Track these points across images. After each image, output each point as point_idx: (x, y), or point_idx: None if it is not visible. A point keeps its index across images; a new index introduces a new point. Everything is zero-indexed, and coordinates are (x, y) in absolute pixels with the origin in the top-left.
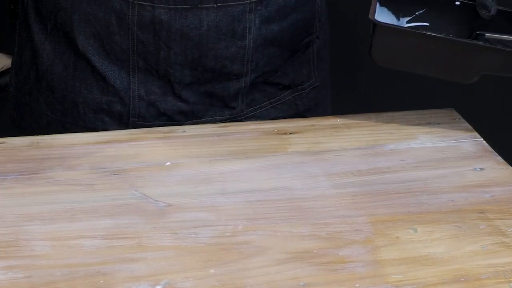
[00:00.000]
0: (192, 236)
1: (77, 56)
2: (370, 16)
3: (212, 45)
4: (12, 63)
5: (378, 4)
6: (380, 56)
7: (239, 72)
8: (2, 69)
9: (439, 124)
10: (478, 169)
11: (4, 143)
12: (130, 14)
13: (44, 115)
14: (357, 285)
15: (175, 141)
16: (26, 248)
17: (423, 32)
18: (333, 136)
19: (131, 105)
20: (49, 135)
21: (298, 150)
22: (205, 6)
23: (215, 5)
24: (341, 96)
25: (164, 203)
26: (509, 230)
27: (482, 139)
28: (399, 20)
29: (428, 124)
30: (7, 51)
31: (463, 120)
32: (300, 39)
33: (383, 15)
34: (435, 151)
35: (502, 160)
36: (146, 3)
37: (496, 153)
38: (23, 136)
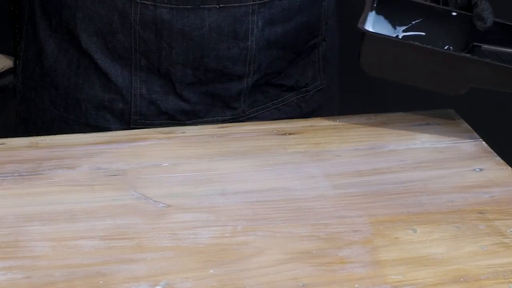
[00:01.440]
0: (192, 236)
1: (80, 53)
2: (359, 25)
3: (214, 46)
4: (19, 59)
5: (374, 13)
6: (368, 65)
7: (241, 73)
8: (2, 70)
9: (438, 124)
10: (478, 170)
11: (3, 143)
12: (132, 12)
13: (47, 111)
14: (357, 285)
15: (175, 142)
16: (26, 248)
17: (411, 42)
18: (332, 137)
19: (132, 103)
20: (49, 136)
21: (297, 150)
22: (207, 6)
23: (217, 6)
24: (346, 98)
25: (164, 203)
26: (508, 231)
27: (481, 139)
28: (395, 28)
29: (428, 124)
30: (7, 52)
31: (462, 120)
32: (305, 41)
33: (379, 24)
34: (434, 151)
35: (501, 161)
36: (149, 2)
37: (495, 154)
38: (26, 132)
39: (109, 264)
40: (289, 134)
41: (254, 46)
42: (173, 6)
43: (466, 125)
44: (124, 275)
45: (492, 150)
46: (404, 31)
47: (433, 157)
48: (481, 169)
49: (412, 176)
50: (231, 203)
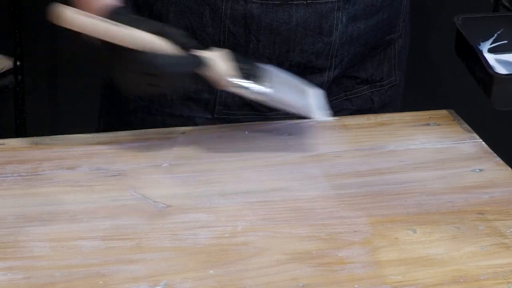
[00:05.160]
0: (192, 237)
1: None
2: (489, 71)
3: (300, 40)
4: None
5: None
6: (502, 103)
7: (323, 67)
8: (2, 70)
9: (438, 125)
10: (477, 170)
11: (3, 144)
12: (223, 7)
13: (131, 102)
14: (356, 286)
15: (175, 142)
16: (26, 249)
17: None
18: (332, 137)
19: (218, 94)
20: (49, 136)
21: (297, 151)
22: (295, 2)
23: (304, 2)
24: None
25: (164, 204)
26: (508, 231)
27: (481, 140)
28: (480, 45)
29: (428, 125)
30: (7, 52)
31: (462, 121)
32: (383, 37)
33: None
34: (434, 152)
35: (501, 161)
36: None
37: (495, 154)
38: (109, 124)
39: (109, 264)
40: (289, 134)
41: (337, 41)
42: (263, 1)
43: (466, 125)
44: (124, 276)
45: (492, 151)
46: (490, 44)
47: (433, 157)
48: (481, 170)
49: (412, 176)
50: (231, 203)
